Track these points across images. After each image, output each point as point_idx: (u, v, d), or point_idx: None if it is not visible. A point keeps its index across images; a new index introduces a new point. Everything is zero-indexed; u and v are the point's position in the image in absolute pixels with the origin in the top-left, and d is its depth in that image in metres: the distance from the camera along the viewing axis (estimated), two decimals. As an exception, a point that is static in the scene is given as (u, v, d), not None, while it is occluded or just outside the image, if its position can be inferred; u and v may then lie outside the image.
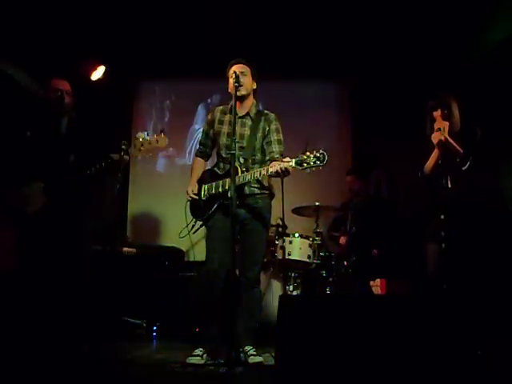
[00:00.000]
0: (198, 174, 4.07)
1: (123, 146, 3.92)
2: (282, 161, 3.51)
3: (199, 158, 4.18)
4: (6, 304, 3.58)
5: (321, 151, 3.39)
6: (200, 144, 4.19)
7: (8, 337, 3.44)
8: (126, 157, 3.76)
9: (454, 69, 5.72)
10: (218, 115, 4.05)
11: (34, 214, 3.85)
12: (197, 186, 3.98)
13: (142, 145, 3.80)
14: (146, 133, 3.81)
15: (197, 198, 3.93)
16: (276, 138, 3.93)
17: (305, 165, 3.40)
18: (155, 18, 5.92)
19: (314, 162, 3.38)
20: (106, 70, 6.14)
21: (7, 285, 3.66)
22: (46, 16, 5.39)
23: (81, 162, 3.90)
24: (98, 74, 6.12)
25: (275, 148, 3.89)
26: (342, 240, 5.72)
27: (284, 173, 3.50)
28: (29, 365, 3.14)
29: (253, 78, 3.97)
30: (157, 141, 3.80)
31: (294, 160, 3.44)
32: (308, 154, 3.40)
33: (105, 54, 6.12)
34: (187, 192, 3.98)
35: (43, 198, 3.85)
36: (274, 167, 3.51)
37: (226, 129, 3.98)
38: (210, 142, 4.12)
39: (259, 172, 3.61)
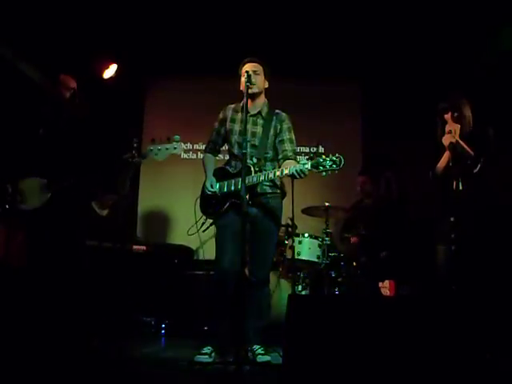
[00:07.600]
0: (211, 169, 4.03)
1: (135, 145, 3.95)
2: (299, 163, 3.52)
3: (209, 155, 4.13)
4: (15, 300, 3.61)
5: (337, 155, 3.40)
6: (210, 141, 4.15)
7: (17, 333, 3.47)
8: (138, 160, 3.78)
9: (466, 70, 5.70)
10: (229, 113, 4.04)
11: (32, 211, 3.87)
12: (214, 179, 3.94)
13: (159, 149, 3.81)
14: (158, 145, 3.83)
15: (215, 191, 3.88)
16: (288, 136, 3.93)
17: (321, 168, 3.40)
18: (168, 17, 5.92)
19: (330, 166, 3.39)
20: (118, 68, 6.17)
21: (16, 281, 3.69)
22: (60, 14, 5.42)
23: (91, 160, 3.92)
24: (110, 72, 6.15)
25: (288, 147, 3.88)
26: (354, 239, 5.69)
27: (300, 175, 3.50)
28: (38, 361, 3.16)
29: (265, 77, 3.97)
30: (174, 148, 3.83)
31: (310, 162, 3.44)
32: (324, 157, 3.41)
33: (117, 52, 6.14)
34: (205, 186, 3.93)
35: (42, 196, 3.87)
36: (290, 169, 3.51)
37: (237, 127, 3.97)
38: (220, 140, 4.10)
39: (273, 173, 3.61)
